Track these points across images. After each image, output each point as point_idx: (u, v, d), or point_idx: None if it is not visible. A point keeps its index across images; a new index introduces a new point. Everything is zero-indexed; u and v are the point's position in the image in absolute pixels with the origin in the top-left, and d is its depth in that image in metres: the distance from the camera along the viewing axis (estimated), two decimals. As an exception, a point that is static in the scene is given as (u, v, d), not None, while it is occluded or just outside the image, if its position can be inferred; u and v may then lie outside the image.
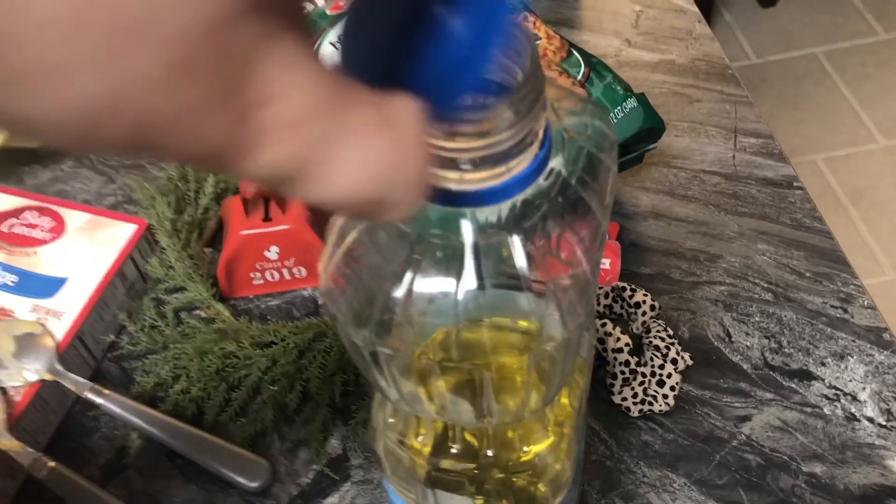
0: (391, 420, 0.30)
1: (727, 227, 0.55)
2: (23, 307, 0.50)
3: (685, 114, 0.61)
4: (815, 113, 1.87)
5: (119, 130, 0.14)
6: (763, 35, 2.04)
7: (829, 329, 0.50)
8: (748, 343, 0.50)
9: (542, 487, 0.31)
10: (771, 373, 0.49)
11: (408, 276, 0.23)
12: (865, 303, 0.51)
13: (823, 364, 0.49)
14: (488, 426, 0.29)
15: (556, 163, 0.24)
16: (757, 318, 0.51)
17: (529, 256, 0.24)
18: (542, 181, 0.23)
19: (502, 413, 0.27)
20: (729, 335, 0.50)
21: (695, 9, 0.68)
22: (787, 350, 0.50)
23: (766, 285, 0.52)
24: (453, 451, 0.30)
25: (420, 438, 0.30)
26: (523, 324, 0.27)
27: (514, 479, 0.30)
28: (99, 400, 0.48)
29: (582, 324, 0.26)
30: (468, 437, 0.30)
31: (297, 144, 0.15)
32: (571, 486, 0.34)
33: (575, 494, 0.38)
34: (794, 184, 0.57)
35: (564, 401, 0.30)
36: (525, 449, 0.30)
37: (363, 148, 0.16)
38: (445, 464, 0.30)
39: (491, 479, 0.30)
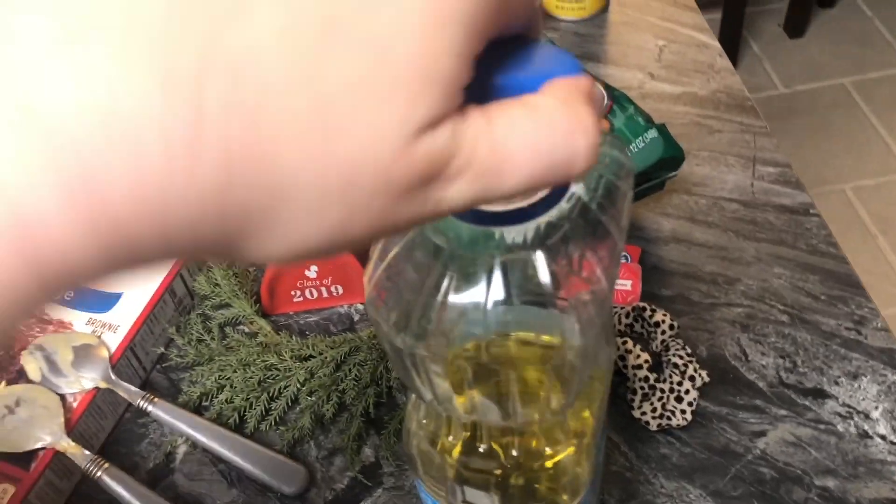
0: (424, 421, 0.33)
1: (745, 251, 0.57)
2: (80, 320, 0.53)
3: (706, 143, 0.64)
4: (843, 142, 1.88)
5: (340, 250, 0.18)
6: (791, 65, 2.06)
7: (843, 350, 0.52)
8: (764, 362, 0.52)
9: (560, 489, 0.34)
10: (786, 391, 0.51)
11: (442, 289, 0.26)
12: (879, 325, 0.53)
13: (837, 383, 0.51)
14: (513, 426, 0.32)
15: (576, 188, 0.27)
16: (773, 339, 0.53)
17: (553, 274, 0.26)
18: (563, 204, 0.26)
19: (525, 414, 0.30)
20: (745, 354, 0.52)
21: (716, 43, 0.71)
22: (801, 369, 0.52)
23: (782, 307, 0.54)
24: (480, 450, 0.32)
25: (450, 438, 0.32)
26: (545, 337, 0.30)
27: (534, 481, 0.33)
28: (149, 407, 0.51)
29: (598, 334, 0.29)
30: (494, 439, 0.33)
31: (473, 177, 0.18)
32: (590, 492, 0.36)
33: (595, 501, 0.40)
34: (811, 211, 0.59)
35: (586, 413, 0.33)
36: (547, 451, 0.32)
37: (520, 134, 0.18)
38: (472, 463, 0.32)
39: (514, 479, 0.33)
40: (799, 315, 0.54)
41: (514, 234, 0.26)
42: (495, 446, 0.33)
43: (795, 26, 2.08)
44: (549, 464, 0.33)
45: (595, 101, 0.20)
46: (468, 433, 0.32)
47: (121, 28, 0.14)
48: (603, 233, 0.28)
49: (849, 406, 0.50)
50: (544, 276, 0.26)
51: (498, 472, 0.33)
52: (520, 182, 0.18)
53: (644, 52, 0.71)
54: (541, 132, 0.18)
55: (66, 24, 0.14)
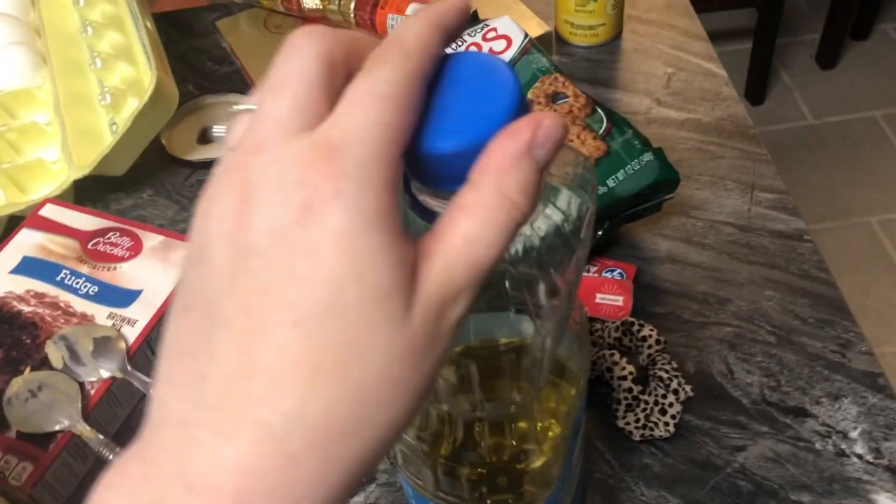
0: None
1: (738, 273, 0.59)
2: (101, 314, 0.57)
3: (706, 168, 0.66)
4: (872, 175, 1.88)
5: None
6: (821, 96, 2.06)
7: (826, 371, 0.54)
8: (749, 380, 0.54)
9: (529, 481, 0.36)
10: (768, 408, 0.53)
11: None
12: (863, 349, 0.55)
13: (818, 403, 0.53)
14: (482, 416, 0.34)
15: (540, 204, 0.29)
16: (759, 359, 0.55)
17: (516, 280, 0.29)
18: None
19: (491, 407, 0.32)
20: (731, 372, 0.54)
21: (723, 72, 0.73)
22: (785, 388, 0.53)
23: (770, 329, 0.56)
24: (455, 442, 0.35)
25: (427, 432, 0.35)
26: (512, 339, 0.32)
27: (505, 472, 0.35)
28: (161, 398, 0.54)
29: (561, 338, 0.31)
30: (468, 431, 0.35)
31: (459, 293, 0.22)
32: (561, 490, 0.39)
33: (568, 501, 0.43)
34: (804, 237, 0.61)
35: (552, 405, 0.35)
36: (517, 444, 0.35)
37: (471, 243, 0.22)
38: (447, 453, 0.35)
39: (486, 469, 0.35)
40: (786, 336, 0.56)
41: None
42: (472, 437, 0.35)
43: (827, 58, 2.09)
44: (521, 455, 0.35)
45: (540, 126, 0.22)
46: (444, 425, 0.35)
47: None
48: (565, 243, 0.30)
49: (828, 426, 0.52)
50: (511, 281, 0.29)
51: (471, 461, 0.35)
52: (493, 258, 0.22)
53: (653, 79, 0.74)
54: (483, 230, 0.21)
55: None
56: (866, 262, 1.71)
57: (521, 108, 0.23)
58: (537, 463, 0.36)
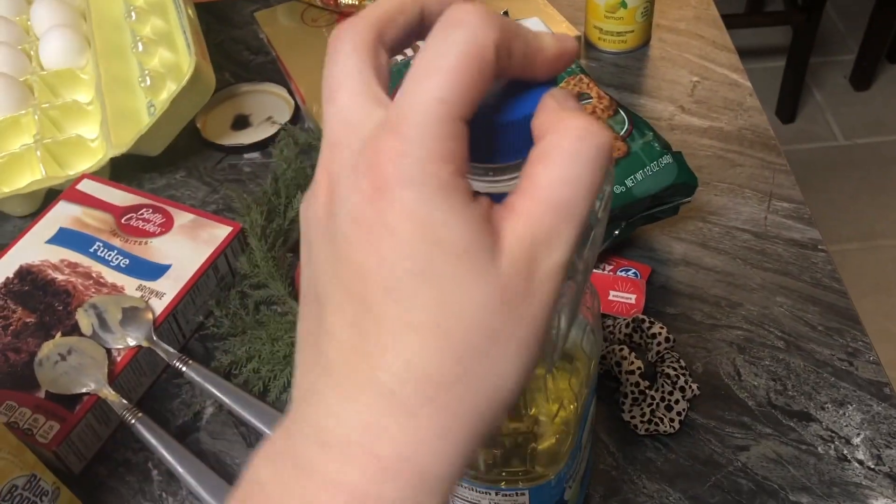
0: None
1: (751, 279, 0.60)
2: (131, 286, 0.59)
3: (726, 176, 0.67)
4: (900, 198, 1.87)
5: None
6: (853, 117, 2.05)
7: (833, 378, 0.55)
8: (756, 383, 0.55)
9: (539, 456, 0.37)
10: (773, 411, 0.54)
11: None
12: (871, 358, 0.56)
13: (823, 408, 0.53)
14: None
15: None
16: (767, 362, 0.56)
17: None
18: None
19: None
20: (739, 374, 0.55)
21: (748, 83, 0.74)
22: (791, 393, 0.54)
23: (779, 334, 0.57)
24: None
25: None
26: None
27: (516, 444, 0.37)
28: (183, 368, 0.56)
29: (566, 310, 0.32)
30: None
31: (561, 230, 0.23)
32: (570, 468, 0.40)
33: (576, 487, 0.44)
34: (819, 247, 0.62)
35: (564, 384, 0.37)
36: (531, 413, 0.36)
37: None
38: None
39: (500, 444, 0.37)
40: (795, 342, 0.57)
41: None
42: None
43: (862, 79, 2.08)
44: (531, 428, 0.36)
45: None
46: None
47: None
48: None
49: (832, 430, 0.52)
50: None
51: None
52: (580, 197, 0.22)
53: (678, 87, 0.75)
54: (561, 170, 0.22)
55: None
56: (890, 284, 1.70)
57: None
58: (549, 441, 0.37)
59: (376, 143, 0.21)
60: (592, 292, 0.38)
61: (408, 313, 0.21)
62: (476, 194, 0.22)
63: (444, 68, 0.21)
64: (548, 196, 0.22)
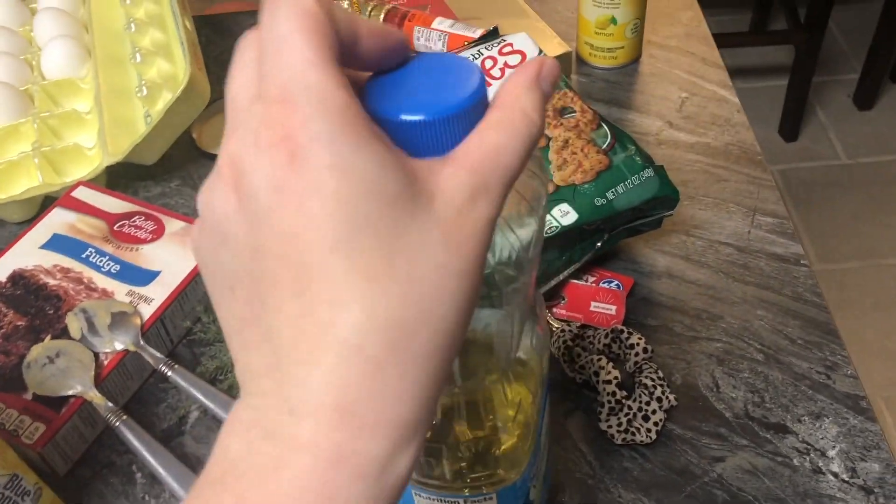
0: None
1: (732, 292, 0.61)
2: (121, 291, 0.60)
3: (711, 190, 0.68)
4: (903, 218, 1.87)
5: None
6: (856, 136, 2.06)
7: (810, 391, 0.55)
8: (734, 395, 0.55)
9: (500, 460, 0.38)
10: (750, 423, 0.54)
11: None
12: (849, 372, 0.56)
13: (800, 421, 0.54)
14: (460, 394, 0.36)
15: None
16: (745, 375, 0.56)
17: (502, 277, 0.31)
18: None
19: (469, 384, 0.35)
20: (717, 386, 0.56)
21: (736, 100, 0.75)
22: (768, 405, 0.55)
23: (759, 347, 0.58)
24: (434, 424, 0.37)
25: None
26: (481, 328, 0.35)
27: (476, 447, 0.38)
28: (169, 373, 0.57)
29: (515, 315, 0.33)
30: (443, 406, 0.37)
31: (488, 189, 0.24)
32: (531, 471, 0.41)
33: (542, 488, 0.44)
34: (801, 261, 0.63)
35: (520, 386, 0.38)
36: (488, 419, 0.37)
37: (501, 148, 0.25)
38: (429, 436, 0.37)
39: (458, 445, 0.37)
40: (774, 355, 0.57)
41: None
42: (450, 419, 0.37)
43: (865, 98, 2.09)
44: (488, 431, 0.37)
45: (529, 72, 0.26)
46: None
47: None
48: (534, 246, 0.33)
49: (807, 443, 0.53)
50: (498, 278, 0.31)
51: (449, 444, 0.37)
52: (517, 166, 0.24)
53: (666, 102, 0.76)
54: (510, 140, 0.24)
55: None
56: (891, 303, 1.70)
57: (483, 92, 0.25)
58: (510, 443, 0.38)
59: (272, 114, 0.22)
60: (536, 292, 0.39)
61: (358, 265, 0.21)
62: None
63: (289, 34, 0.22)
64: (495, 157, 0.24)
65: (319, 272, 0.21)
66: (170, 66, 0.77)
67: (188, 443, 0.56)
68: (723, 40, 0.81)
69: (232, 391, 0.57)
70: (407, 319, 0.22)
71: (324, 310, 0.21)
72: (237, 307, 0.24)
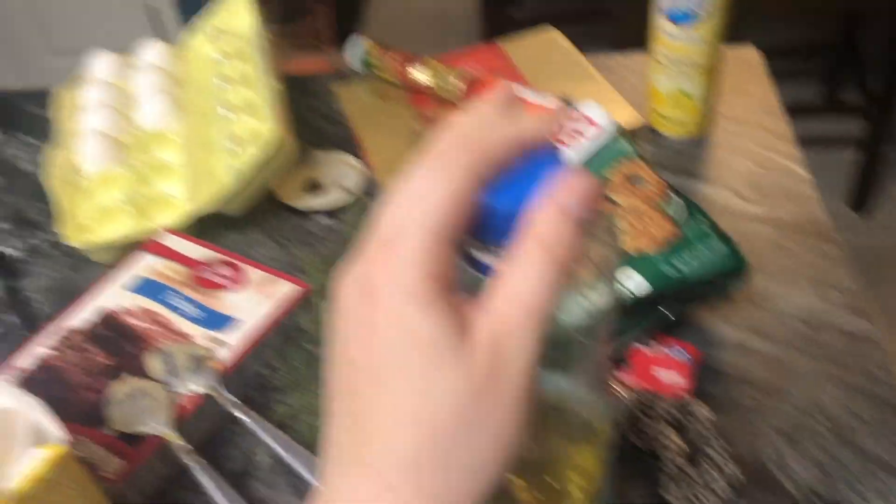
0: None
1: (800, 366, 0.61)
2: (200, 335, 0.63)
3: (782, 265, 0.68)
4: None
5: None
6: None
7: (881, 472, 0.54)
8: (799, 470, 0.55)
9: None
10: (815, 499, 0.53)
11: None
12: (920, 455, 0.55)
13: (865, 499, 0.53)
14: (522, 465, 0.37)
15: None
16: (813, 451, 0.56)
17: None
18: None
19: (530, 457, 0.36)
20: (783, 460, 0.56)
21: (805, 173, 0.76)
22: (835, 482, 0.54)
23: (827, 423, 0.57)
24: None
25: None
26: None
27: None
28: (243, 417, 0.59)
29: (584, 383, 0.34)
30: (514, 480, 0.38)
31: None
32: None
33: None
34: (872, 338, 0.62)
35: (588, 455, 0.38)
36: (555, 482, 0.38)
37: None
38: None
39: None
40: (841, 433, 0.57)
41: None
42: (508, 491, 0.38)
43: (939, 174, 2.04)
44: (553, 496, 0.38)
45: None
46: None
47: None
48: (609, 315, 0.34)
49: (876, 524, 0.52)
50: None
51: (511, 500, 0.38)
52: (543, 304, 0.26)
53: (736, 174, 0.77)
54: (531, 282, 0.26)
55: None
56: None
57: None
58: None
59: (375, 254, 0.26)
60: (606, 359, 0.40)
61: (388, 403, 0.25)
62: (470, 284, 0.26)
63: (433, 197, 0.25)
64: (517, 300, 0.25)
65: (363, 400, 0.26)
66: (257, 122, 0.81)
67: (258, 487, 0.58)
68: (793, 112, 0.81)
69: (302, 437, 0.59)
70: (422, 460, 0.25)
71: (360, 433, 0.26)
72: (332, 406, 0.28)
